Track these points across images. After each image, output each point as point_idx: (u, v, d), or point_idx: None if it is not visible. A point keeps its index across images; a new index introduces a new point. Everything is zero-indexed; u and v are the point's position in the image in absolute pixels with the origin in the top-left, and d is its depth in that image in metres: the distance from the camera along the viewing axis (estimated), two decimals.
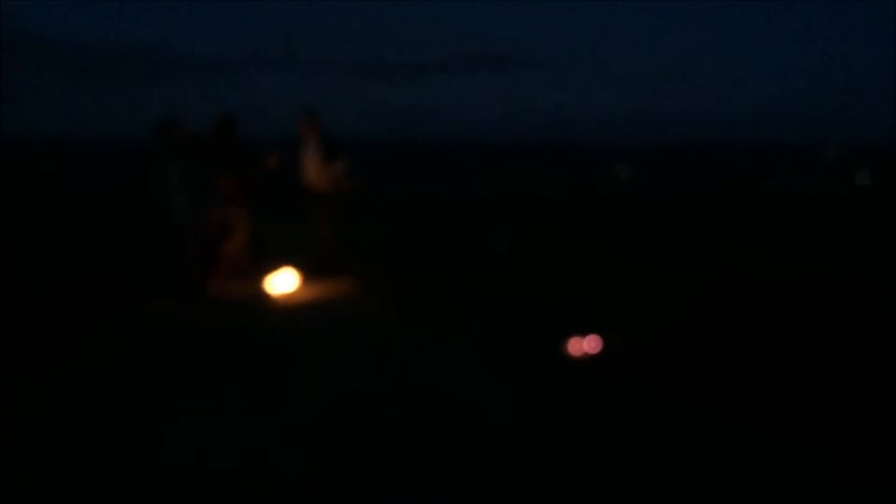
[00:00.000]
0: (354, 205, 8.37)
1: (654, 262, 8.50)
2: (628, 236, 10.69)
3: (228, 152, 7.02)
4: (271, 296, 6.54)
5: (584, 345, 4.74)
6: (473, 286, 7.16)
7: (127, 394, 4.28)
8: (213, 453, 3.52)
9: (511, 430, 3.69)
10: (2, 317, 5.87)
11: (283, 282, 6.63)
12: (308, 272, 7.06)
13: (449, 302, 6.47)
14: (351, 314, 6.04)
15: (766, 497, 3.18)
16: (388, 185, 20.22)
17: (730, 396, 4.16)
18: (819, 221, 13.06)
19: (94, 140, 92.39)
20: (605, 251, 9.27)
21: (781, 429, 3.83)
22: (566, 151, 72.60)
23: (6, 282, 7.22)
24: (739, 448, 3.58)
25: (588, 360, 4.68)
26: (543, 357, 4.76)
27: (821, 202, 16.99)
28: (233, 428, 3.80)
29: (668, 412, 3.93)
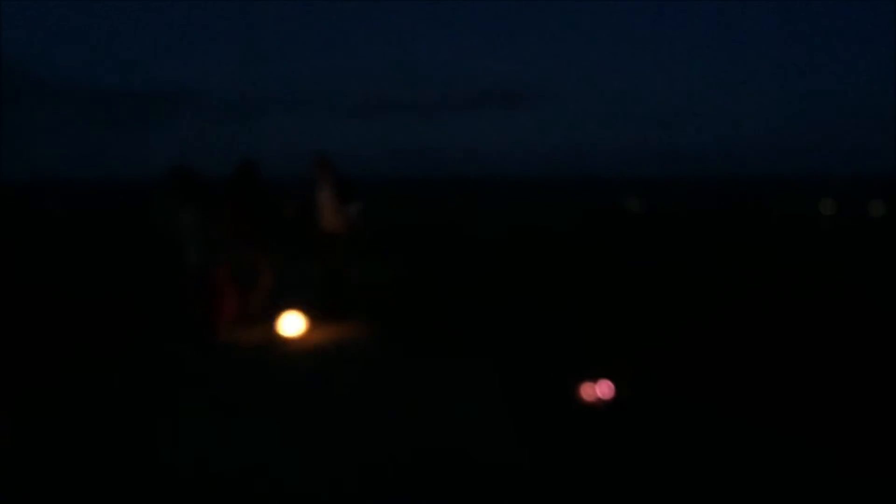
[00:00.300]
0: (365, 244, 8.44)
1: (672, 279, 8.51)
2: (644, 259, 10.70)
3: (249, 197, 7.10)
4: (283, 338, 6.57)
5: (597, 390, 4.73)
6: (486, 322, 7.21)
7: (129, 426, 4.34)
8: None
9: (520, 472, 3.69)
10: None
11: (293, 324, 6.66)
12: (320, 314, 7.09)
13: (461, 342, 6.48)
14: (363, 357, 6.05)
15: None
16: (398, 222, 20.34)
17: (731, 401, 4.16)
18: (830, 248, 13.02)
19: (105, 182, 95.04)
20: (619, 277, 9.27)
21: (783, 431, 3.87)
22: (576, 185, 73.01)
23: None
24: (745, 455, 3.57)
25: (601, 405, 4.67)
26: (555, 396, 4.78)
27: (831, 231, 16.97)
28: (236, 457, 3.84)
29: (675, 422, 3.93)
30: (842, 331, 6.59)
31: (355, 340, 6.59)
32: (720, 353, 5.90)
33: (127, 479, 3.60)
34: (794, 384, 5.02)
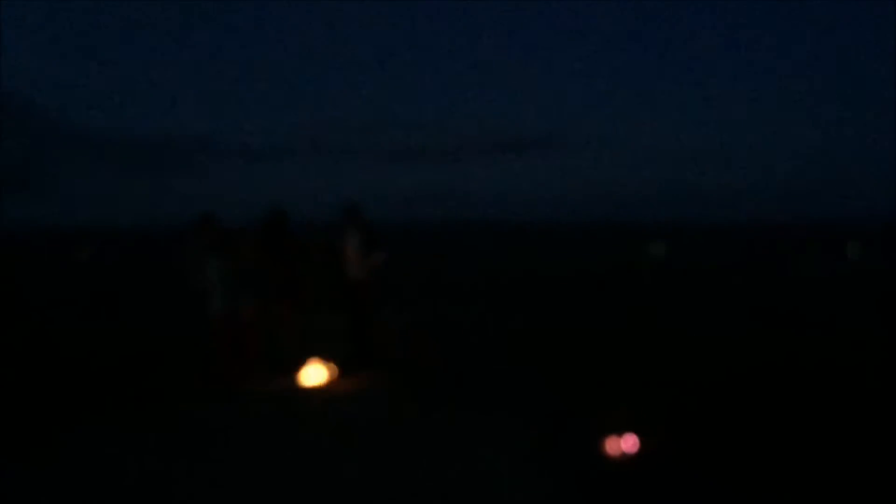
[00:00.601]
0: (387, 291, 8.43)
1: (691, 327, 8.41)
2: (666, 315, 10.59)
3: (277, 247, 7.16)
4: (305, 388, 6.55)
5: (622, 444, 4.67)
6: (504, 370, 7.19)
7: (140, 473, 4.41)
8: None
9: None
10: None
11: (316, 374, 6.64)
12: (344, 363, 7.08)
13: (480, 392, 6.43)
14: (385, 407, 6.02)
15: None
16: (419, 268, 20.35)
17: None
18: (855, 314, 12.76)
19: (133, 229, 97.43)
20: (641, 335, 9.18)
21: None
22: (598, 230, 72.90)
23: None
24: None
25: (626, 459, 4.60)
26: (576, 455, 4.72)
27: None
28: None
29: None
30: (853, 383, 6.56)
31: (379, 390, 6.56)
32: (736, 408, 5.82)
33: None
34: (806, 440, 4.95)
